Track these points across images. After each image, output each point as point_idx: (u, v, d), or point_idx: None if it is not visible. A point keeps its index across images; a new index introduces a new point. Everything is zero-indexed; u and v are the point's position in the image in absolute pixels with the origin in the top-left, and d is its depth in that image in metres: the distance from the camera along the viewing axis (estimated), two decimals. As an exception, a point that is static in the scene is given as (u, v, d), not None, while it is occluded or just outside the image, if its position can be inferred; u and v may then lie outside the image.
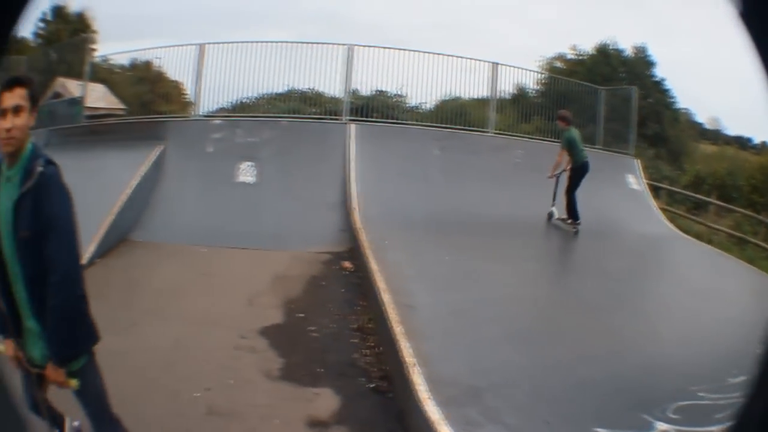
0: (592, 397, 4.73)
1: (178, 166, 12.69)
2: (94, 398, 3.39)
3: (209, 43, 15.14)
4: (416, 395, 4.37)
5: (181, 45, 16.06)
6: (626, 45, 26.98)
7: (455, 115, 15.68)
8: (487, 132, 14.78)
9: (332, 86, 16.71)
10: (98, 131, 15.81)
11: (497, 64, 14.91)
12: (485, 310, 6.76)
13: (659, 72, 26.64)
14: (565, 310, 7.14)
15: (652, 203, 13.74)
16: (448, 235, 10.12)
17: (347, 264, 9.50)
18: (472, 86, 15.74)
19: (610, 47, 26.70)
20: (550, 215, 12.00)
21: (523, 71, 17.09)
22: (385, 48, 14.83)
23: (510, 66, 15.68)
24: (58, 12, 34.67)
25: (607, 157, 14.56)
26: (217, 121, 14.10)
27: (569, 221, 11.28)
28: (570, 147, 11.25)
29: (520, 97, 18.14)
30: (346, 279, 8.99)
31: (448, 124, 14.83)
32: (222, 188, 11.97)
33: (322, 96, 18.00)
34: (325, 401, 5.33)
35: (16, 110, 2.92)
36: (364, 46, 14.69)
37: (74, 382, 3.17)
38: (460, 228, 10.44)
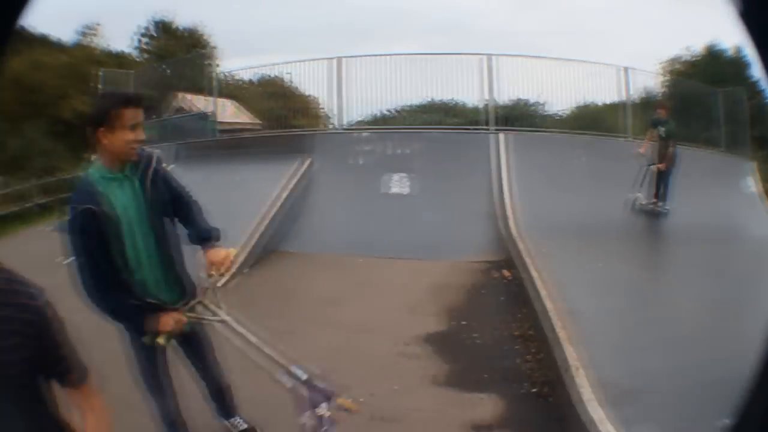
0: (726, 395, 5.06)
1: (327, 179, 13.44)
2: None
3: (346, 57, 16.00)
4: (579, 397, 4.76)
5: (313, 59, 16.99)
6: (729, 45, 26.56)
7: (591, 121, 16.21)
8: (625, 137, 15.10)
9: (470, 96, 17.36)
10: (237, 145, 16.88)
11: (628, 68, 15.29)
12: (637, 314, 7.18)
13: (755, 72, 26.18)
14: (707, 313, 7.37)
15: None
16: (599, 242, 10.43)
17: (506, 272, 9.86)
18: (602, 91, 16.29)
19: (716, 48, 26.57)
20: (635, 201, 12.33)
21: (646, 74, 17.37)
22: (522, 56, 15.28)
23: (638, 70, 15.97)
24: (164, 27, 37.02)
25: (728, 161, 14.88)
26: (366, 134, 14.80)
27: (660, 204, 12.02)
28: (675, 137, 11.99)
29: (648, 101, 18.25)
30: (506, 287, 9.39)
31: (585, 131, 15.35)
32: (375, 199, 12.66)
33: (462, 106, 19.04)
34: (489, 406, 5.66)
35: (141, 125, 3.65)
36: (502, 55, 15.07)
37: (233, 250, 4.05)
38: (609, 235, 10.84)
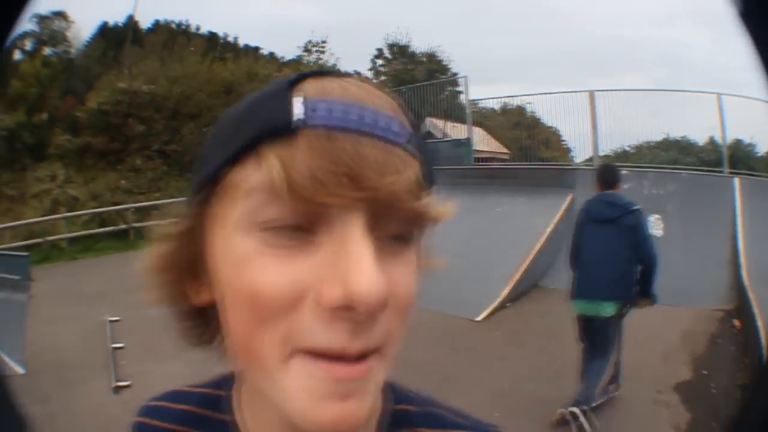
0: None
1: None
2: None
3: (598, 90, 17.30)
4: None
5: (561, 92, 18.47)
6: None
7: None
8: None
9: (696, 133, 19.32)
10: (494, 174, 18.33)
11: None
12: None
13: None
14: None
15: None
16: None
17: (736, 322, 10.47)
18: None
19: None
20: None
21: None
22: (744, 97, 15.46)
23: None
24: (399, 50, 40.21)
25: None
26: (623, 171, 14.12)
27: None
28: None
29: None
30: (736, 337, 10.01)
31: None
32: None
33: (693, 144, 20.52)
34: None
35: None
36: (727, 94, 15.43)
37: None
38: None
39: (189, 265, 0.80)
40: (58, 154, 28.45)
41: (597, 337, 7.15)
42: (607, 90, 17.49)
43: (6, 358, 8.52)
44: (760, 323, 8.94)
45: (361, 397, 0.70)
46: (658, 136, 20.84)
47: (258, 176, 0.68)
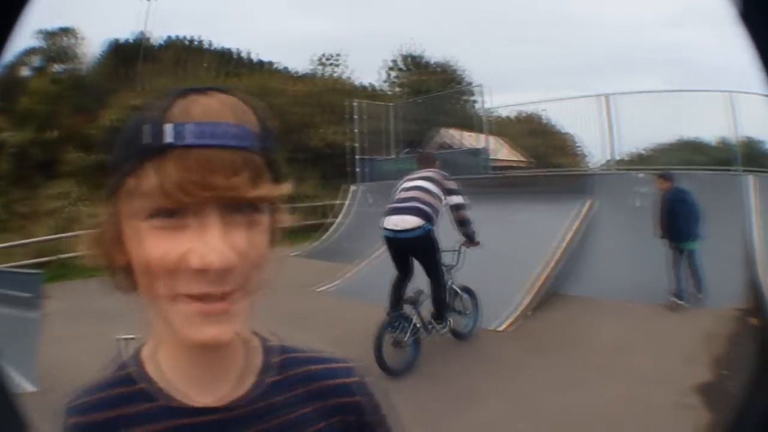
0: None
1: (607, 221, 14.61)
2: None
3: (613, 94, 17.23)
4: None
5: (575, 97, 18.71)
6: None
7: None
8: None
9: (708, 132, 19.16)
10: (512, 183, 18.47)
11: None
12: None
13: None
14: None
15: None
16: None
17: (753, 320, 10.44)
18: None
19: None
20: None
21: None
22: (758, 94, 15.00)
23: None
24: (413, 61, 39.99)
25: None
26: (641, 174, 15.60)
27: None
28: None
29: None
30: (753, 335, 9.91)
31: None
32: (654, 243, 12.87)
33: (706, 144, 20.22)
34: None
35: None
36: (741, 92, 15.61)
37: None
38: None
39: (113, 241, 1.08)
40: (71, 171, 28.91)
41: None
42: (621, 93, 17.72)
43: (17, 376, 8.54)
44: None
45: (228, 321, 1.02)
46: (671, 138, 20.79)
47: (144, 185, 0.97)
